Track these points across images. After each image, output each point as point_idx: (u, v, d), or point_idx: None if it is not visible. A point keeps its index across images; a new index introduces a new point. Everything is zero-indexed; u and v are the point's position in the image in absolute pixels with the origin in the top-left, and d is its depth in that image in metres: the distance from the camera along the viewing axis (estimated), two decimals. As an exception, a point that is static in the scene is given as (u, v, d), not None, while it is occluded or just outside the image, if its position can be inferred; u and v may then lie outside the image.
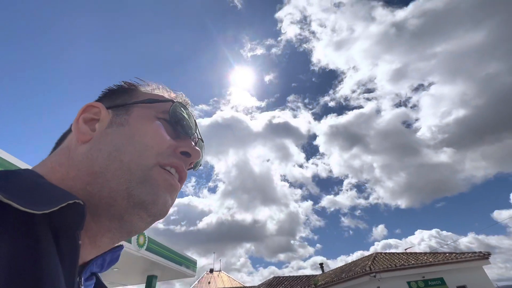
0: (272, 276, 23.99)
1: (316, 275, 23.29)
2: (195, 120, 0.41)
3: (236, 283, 30.58)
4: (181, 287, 27.15)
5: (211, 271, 34.51)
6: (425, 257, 15.57)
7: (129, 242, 7.48)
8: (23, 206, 0.21)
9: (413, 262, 14.86)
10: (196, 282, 31.18)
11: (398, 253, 17.74)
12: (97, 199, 0.29)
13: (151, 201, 0.30)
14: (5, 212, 0.20)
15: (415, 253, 17.21)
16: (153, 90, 0.41)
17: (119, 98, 0.38)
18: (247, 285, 29.56)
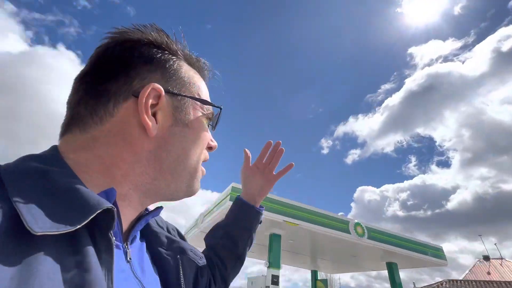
0: None
1: None
2: None
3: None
4: (457, 275, 24.11)
5: (486, 258, 27.05)
6: None
7: (349, 233, 8.33)
8: (56, 229, 0.21)
9: None
10: (467, 272, 25.82)
11: None
12: (163, 192, 0.35)
13: (195, 191, 0.39)
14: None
15: None
16: (186, 57, 0.40)
17: (172, 77, 0.35)
18: None
